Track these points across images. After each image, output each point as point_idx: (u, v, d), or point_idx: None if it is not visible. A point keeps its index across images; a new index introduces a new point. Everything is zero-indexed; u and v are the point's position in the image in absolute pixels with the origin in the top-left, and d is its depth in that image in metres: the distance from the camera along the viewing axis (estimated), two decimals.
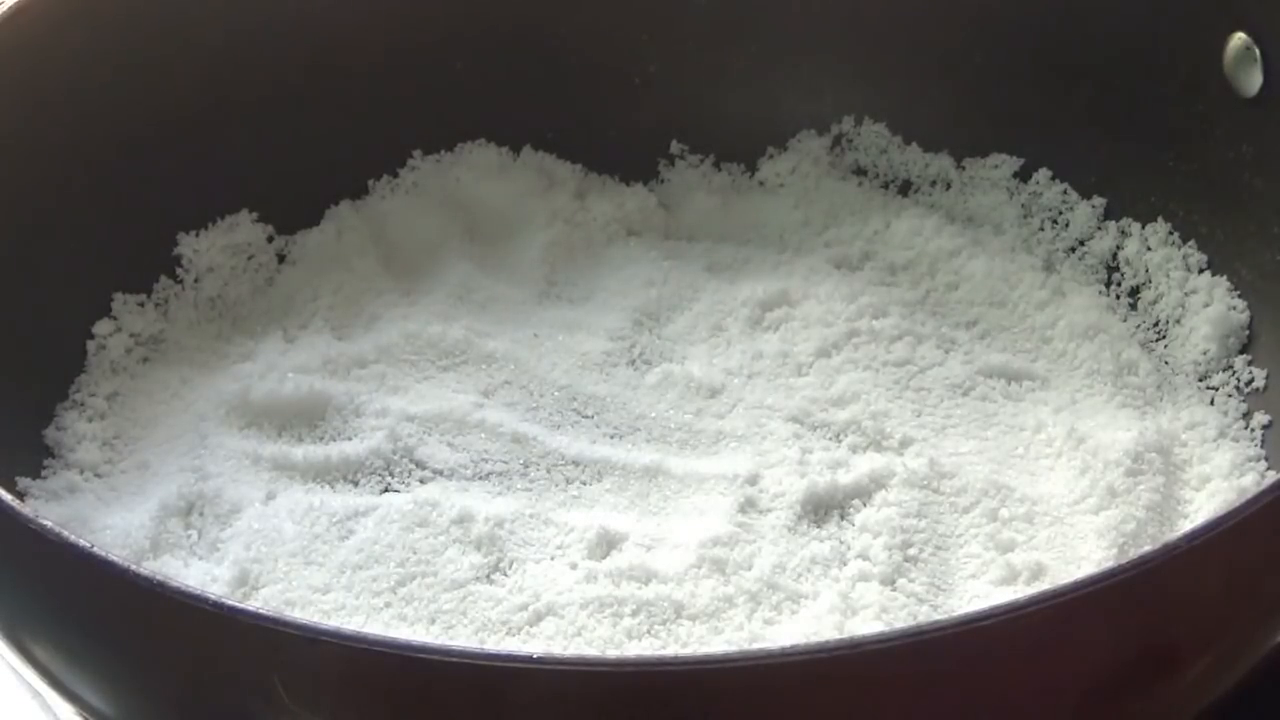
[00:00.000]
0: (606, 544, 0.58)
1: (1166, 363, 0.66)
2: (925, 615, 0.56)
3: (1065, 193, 0.71)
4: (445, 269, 0.70)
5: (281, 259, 0.71)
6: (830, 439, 0.63)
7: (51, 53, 0.66)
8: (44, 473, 0.62)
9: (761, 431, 0.63)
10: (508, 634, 0.55)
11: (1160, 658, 0.48)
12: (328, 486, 0.61)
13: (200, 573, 0.58)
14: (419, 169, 0.74)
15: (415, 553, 0.58)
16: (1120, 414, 0.63)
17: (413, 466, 0.62)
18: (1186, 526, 0.59)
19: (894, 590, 0.57)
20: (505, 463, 0.62)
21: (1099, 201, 0.71)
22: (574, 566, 0.58)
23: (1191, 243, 0.68)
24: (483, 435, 0.63)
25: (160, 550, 0.59)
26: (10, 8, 0.65)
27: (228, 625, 0.45)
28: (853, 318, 0.67)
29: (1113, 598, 0.45)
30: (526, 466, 0.62)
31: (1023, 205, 0.72)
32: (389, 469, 0.62)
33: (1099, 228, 0.70)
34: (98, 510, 0.60)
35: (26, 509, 0.48)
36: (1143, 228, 0.69)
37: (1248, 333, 0.65)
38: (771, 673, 0.44)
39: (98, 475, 0.62)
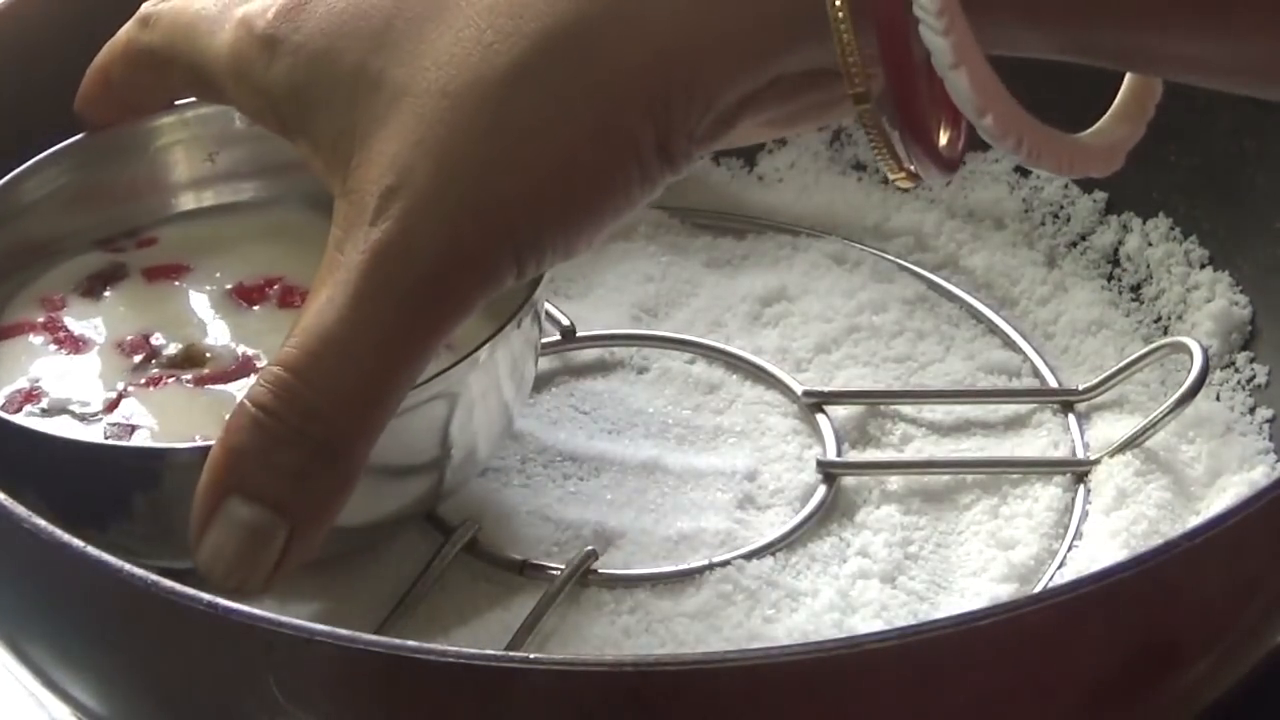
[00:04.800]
0: (604, 541, 0.58)
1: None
2: (925, 613, 0.56)
3: (1066, 187, 0.71)
4: None
5: None
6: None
7: (44, 45, 0.66)
8: None
9: (760, 427, 0.63)
10: (504, 632, 0.55)
11: (1161, 656, 0.48)
12: None
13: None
14: None
15: None
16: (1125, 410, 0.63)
17: None
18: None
19: (894, 588, 0.57)
20: (502, 459, 0.62)
21: (1100, 196, 0.70)
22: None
23: (1193, 238, 0.68)
24: None
25: None
26: (6, 4, 0.65)
27: (222, 625, 0.44)
28: (852, 313, 0.67)
29: (1113, 596, 0.45)
30: (523, 462, 0.62)
31: (1024, 200, 0.71)
32: None
33: (1100, 222, 0.70)
34: None
35: (21, 508, 0.48)
36: (1144, 223, 0.69)
37: (1250, 328, 0.65)
38: (770, 672, 0.44)
39: None
